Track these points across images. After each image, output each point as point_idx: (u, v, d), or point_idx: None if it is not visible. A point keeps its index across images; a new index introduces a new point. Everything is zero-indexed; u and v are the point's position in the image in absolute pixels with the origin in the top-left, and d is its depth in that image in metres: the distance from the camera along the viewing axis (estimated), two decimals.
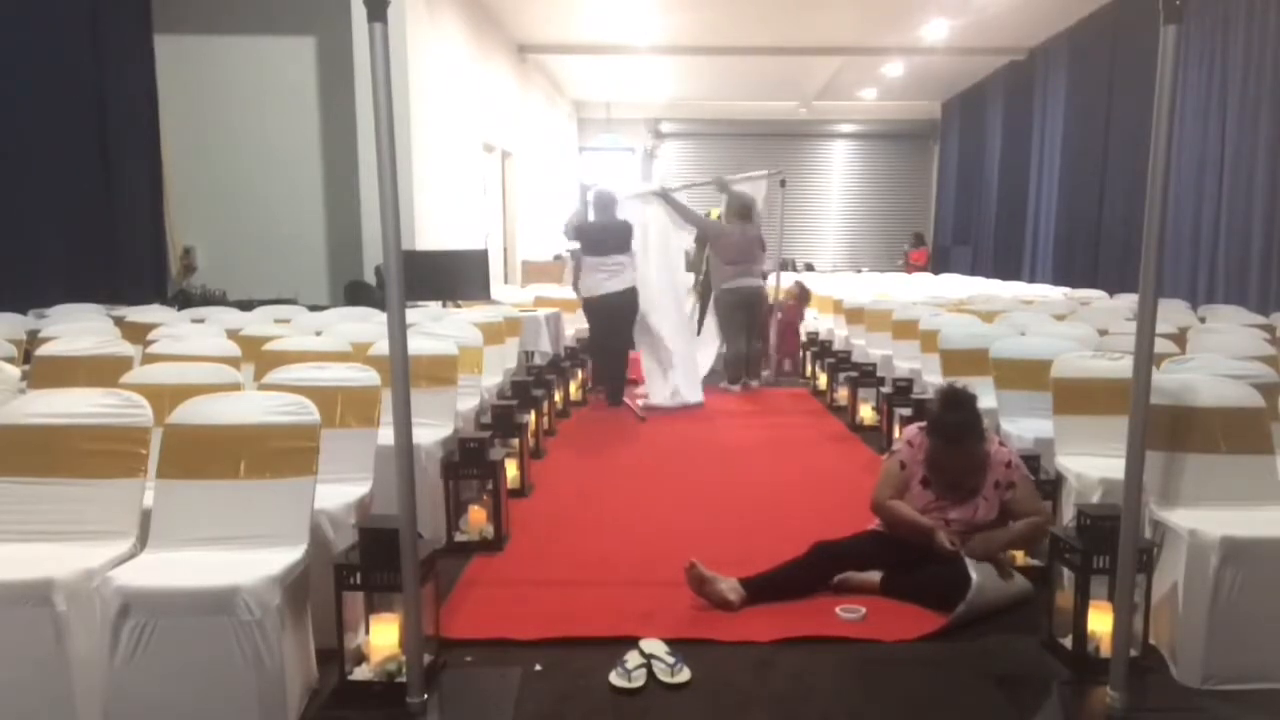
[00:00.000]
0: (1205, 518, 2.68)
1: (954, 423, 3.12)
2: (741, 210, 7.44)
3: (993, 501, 3.19)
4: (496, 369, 5.46)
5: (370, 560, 2.48)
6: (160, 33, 8.61)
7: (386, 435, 2.59)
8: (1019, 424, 3.94)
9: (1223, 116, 8.03)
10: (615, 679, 2.59)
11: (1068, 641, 2.68)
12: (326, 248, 9.15)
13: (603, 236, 6.72)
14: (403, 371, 2.32)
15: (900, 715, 2.49)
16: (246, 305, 6.95)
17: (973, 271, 13.98)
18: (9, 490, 2.58)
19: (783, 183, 7.95)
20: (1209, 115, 8.24)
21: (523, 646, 2.84)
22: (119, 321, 5.34)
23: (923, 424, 3.31)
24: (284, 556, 2.41)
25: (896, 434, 4.99)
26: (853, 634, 2.90)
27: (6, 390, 3.40)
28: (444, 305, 6.80)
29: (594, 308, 6.82)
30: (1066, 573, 2.70)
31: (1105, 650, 2.58)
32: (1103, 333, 4.98)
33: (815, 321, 9.59)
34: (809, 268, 17.84)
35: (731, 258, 7.31)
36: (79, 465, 2.60)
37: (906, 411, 4.80)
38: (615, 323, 6.77)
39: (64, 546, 2.45)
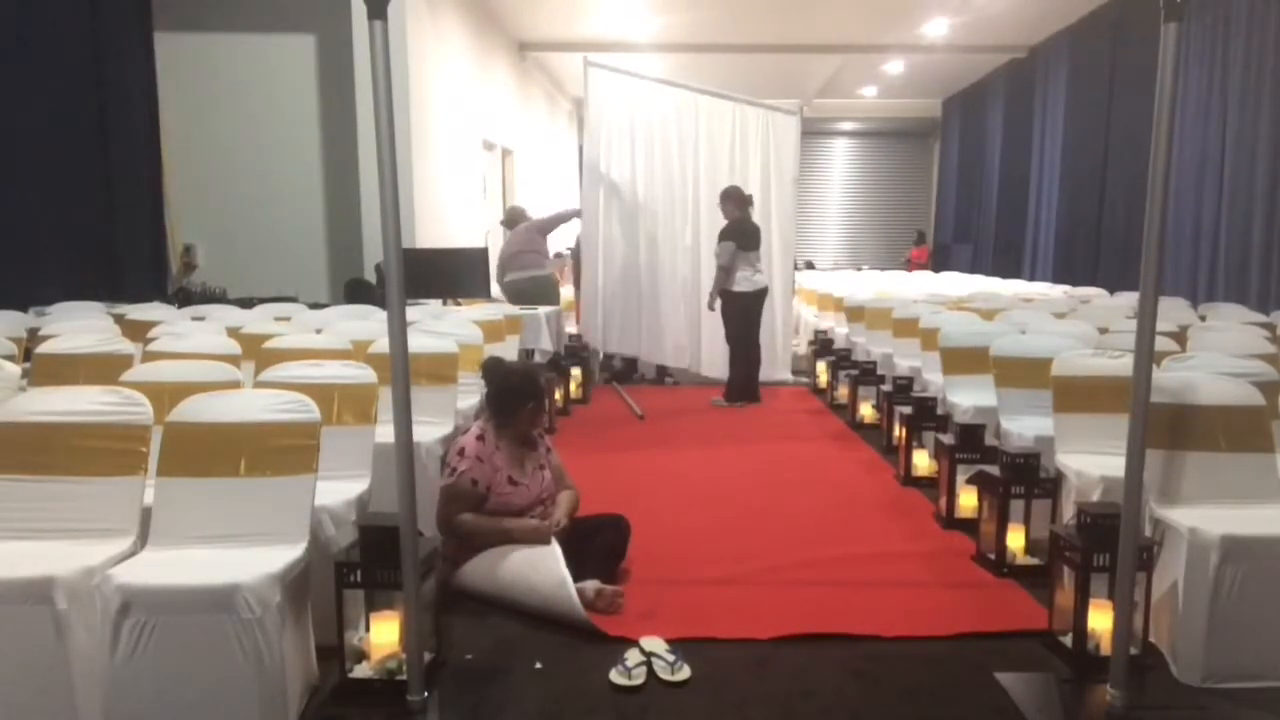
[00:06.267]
0: (1205, 516, 2.69)
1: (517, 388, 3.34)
2: None
3: (547, 468, 3.44)
4: None
5: (371, 558, 2.48)
6: (160, 30, 8.59)
7: (384, 433, 2.59)
8: (1019, 422, 3.93)
9: (1223, 114, 8.01)
10: (615, 677, 2.60)
11: (1068, 639, 2.69)
12: (327, 245, 9.12)
13: (754, 233, 6.98)
14: (403, 369, 2.32)
15: (900, 714, 2.49)
16: (247, 303, 6.94)
17: (973, 269, 13.99)
18: (9, 488, 2.58)
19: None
20: (1209, 113, 8.22)
21: (523, 645, 2.84)
22: (119, 319, 5.33)
23: (479, 434, 3.30)
24: (284, 554, 2.41)
25: (896, 432, 5.01)
26: (853, 632, 2.91)
27: (7, 388, 3.40)
28: (444, 303, 6.80)
29: (748, 302, 6.93)
30: (1067, 571, 2.70)
31: (1105, 648, 2.58)
32: (1103, 331, 4.98)
33: (816, 319, 9.60)
34: (809, 265, 17.85)
35: None
36: (79, 463, 2.61)
37: (907, 410, 4.80)
38: (757, 315, 7.04)
39: (64, 544, 2.45)
